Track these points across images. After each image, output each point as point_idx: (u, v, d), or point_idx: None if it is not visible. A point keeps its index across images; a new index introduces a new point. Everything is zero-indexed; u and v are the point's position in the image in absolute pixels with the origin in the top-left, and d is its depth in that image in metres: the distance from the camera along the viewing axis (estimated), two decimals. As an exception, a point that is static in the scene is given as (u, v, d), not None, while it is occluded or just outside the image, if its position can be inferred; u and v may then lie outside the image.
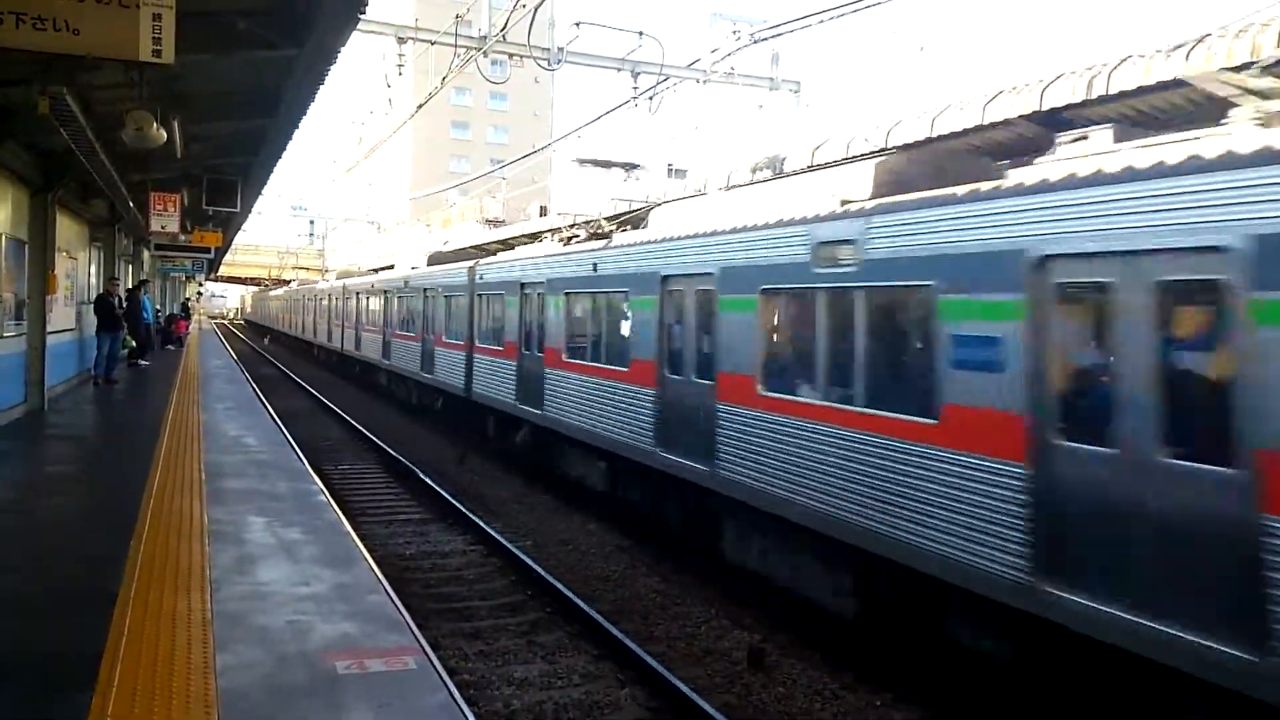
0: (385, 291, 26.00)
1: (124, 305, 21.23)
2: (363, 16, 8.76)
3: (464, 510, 12.50)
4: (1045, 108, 8.96)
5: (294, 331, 48.82)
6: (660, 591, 9.76)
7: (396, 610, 6.02)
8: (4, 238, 12.93)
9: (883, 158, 9.14)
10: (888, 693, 7.34)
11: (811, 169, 11.35)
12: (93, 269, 21.47)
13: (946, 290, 6.78)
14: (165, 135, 10.34)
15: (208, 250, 29.24)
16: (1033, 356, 6.13)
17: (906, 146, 10.52)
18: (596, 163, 16.77)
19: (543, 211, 31.05)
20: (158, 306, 33.61)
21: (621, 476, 12.24)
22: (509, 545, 10.79)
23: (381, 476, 15.47)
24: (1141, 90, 8.30)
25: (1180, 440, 5.36)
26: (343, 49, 9.50)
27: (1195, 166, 5.36)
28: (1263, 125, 5.73)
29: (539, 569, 9.87)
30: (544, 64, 16.83)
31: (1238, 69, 7.62)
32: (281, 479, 10.13)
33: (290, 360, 42.28)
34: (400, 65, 16.25)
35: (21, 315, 14.08)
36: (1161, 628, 5.24)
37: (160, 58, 6.71)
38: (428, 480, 14.27)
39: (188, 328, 39.65)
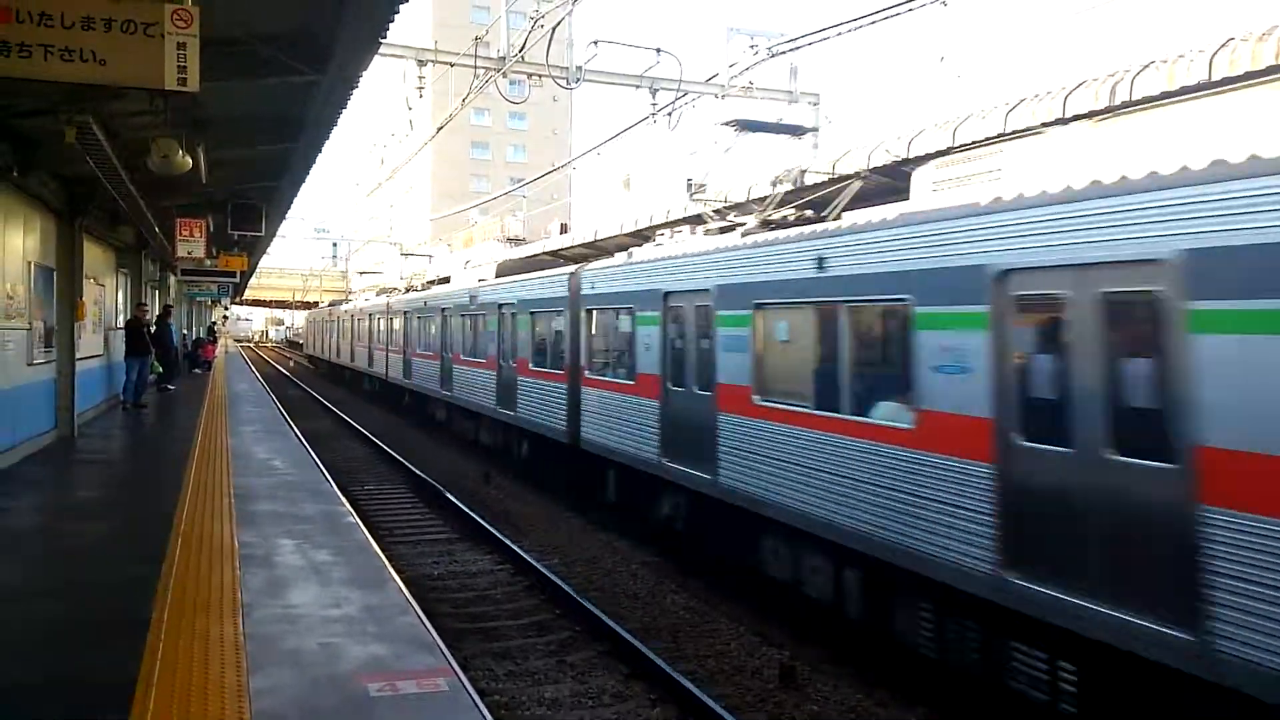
0: (443, 309, 22.23)
1: (152, 331, 21.46)
2: (383, 41, 8.85)
3: (491, 529, 12.49)
4: (1068, 115, 8.91)
5: (327, 355, 46.03)
6: (689, 608, 9.71)
7: (427, 631, 6.01)
8: (32, 265, 13.09)
9: None
10: (921, 707, 7.28)
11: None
12: (120, 295, 21.73)
13: None
14: (190, 161, 10.50)
15: (233, 274, 29.58)
16: None
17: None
18: (747, 125, 12.09)
19: (563, 229, 31.11)
20: (184, 331, 33.91)
21: (897, 597, 7.83)
22: (536, 564, 10.78)
23: (409, 497, 15.50)
24: (1165, 95, 8.23)
25: None
26: (364, 73, 9.60)
27: None
28: None
29: (567, 588, 9.84)
30: (562, 83, 16.92)
31: (1263, 73, 7.57)
32: (310, 501, 10.17)
33: (319, 384, 42.53)
34: (420, 87, 16.35)
35: (51, 342, 14.25)
36: None
37: (185, 86, 6.77)
38: (454, 499, 14.28)
39: (214, 352, 39.96)
